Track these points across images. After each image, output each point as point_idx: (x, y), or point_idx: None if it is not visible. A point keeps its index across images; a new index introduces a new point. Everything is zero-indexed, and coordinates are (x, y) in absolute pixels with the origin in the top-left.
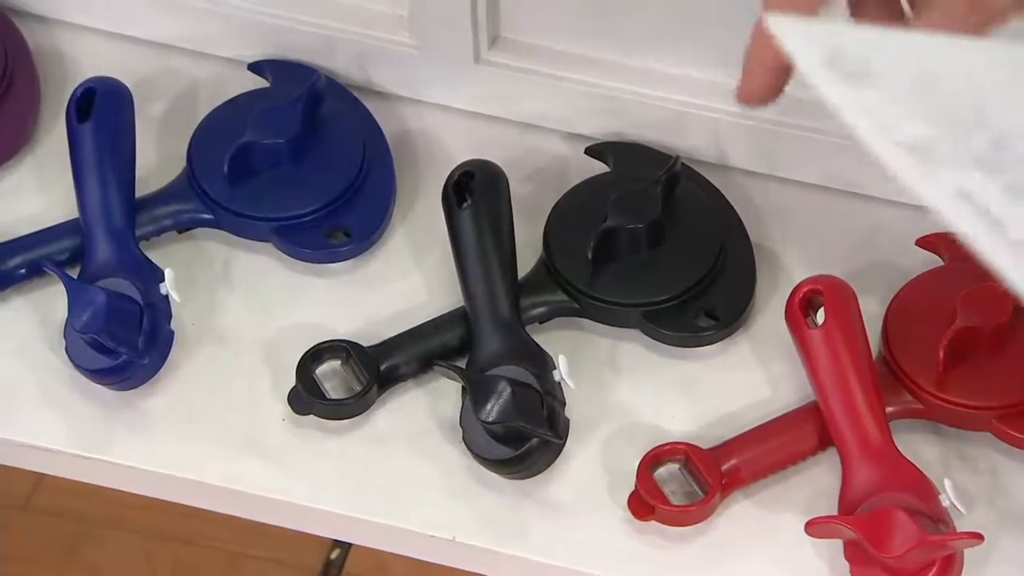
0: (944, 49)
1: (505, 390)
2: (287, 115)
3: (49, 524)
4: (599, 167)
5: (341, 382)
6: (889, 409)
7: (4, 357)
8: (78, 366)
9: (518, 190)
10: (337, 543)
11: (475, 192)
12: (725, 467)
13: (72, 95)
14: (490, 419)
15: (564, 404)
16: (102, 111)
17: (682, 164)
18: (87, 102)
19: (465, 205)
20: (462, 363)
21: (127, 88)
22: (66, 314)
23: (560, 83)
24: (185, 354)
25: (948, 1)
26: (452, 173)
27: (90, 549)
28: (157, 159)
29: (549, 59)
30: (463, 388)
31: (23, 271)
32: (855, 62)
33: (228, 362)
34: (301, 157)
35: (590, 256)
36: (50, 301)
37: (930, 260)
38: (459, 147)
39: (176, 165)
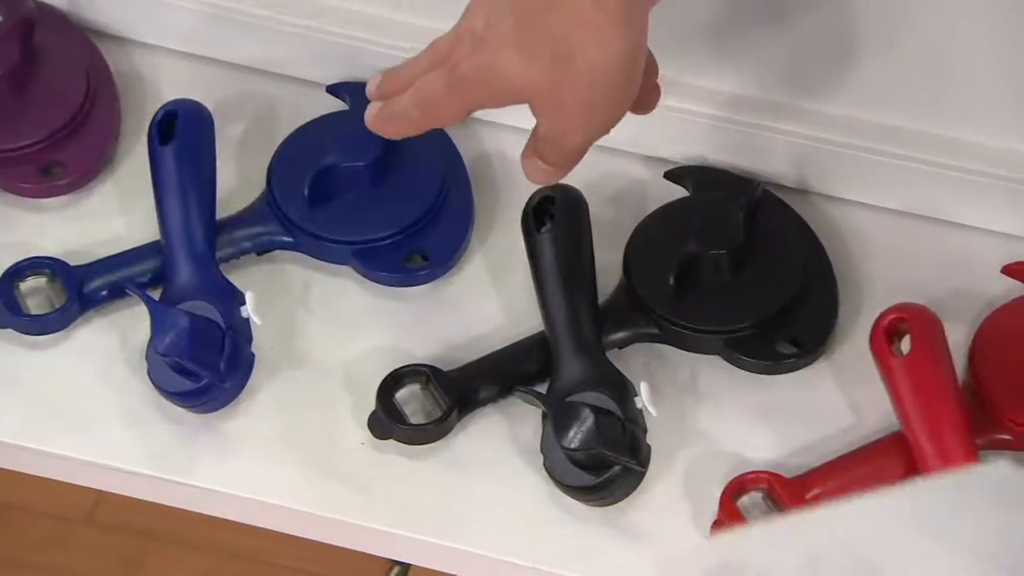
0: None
1: (588, 417)
2: (368, 138)
3: (111, 539)
4: (678, 191)
5: (420, 406)
6: (976, 440)
7: (87, 378)
8: (160, 388)
9: (597, 214)
10: (396, 562)
11: (555, 216)
12: (809, 496)
13: (154, 118)
14: (573, 446)
15: (646, 431)
16: (184, 134)
17: (763, 189)
18: (169, 124)
19: (545, 229)
20: (541, 388)
21: (208, 111)
22: (148, 336)
23: None
24: (264, 377)
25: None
26: (532, 197)
27: (152, 564)
28: (236, 180)
29: None
30: (543, 414)
31: (105, 292)
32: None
33: (307, 385)
34: (380, 180)
35: (672, 282)
36: (131, 322)
37: (1015, 288)
38: None
39: (255, 187)
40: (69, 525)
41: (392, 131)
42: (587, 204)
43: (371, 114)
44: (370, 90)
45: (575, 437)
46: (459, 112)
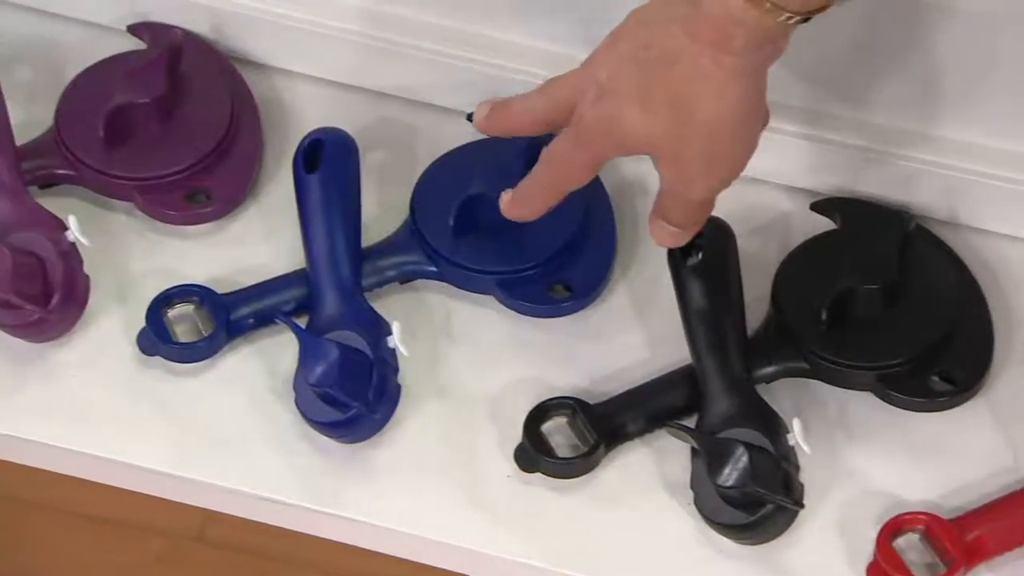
0: None
1: (742, 454)
2: (511, 167)
3: (224, 557)
4: (823, 223)
5: (566, 439)
6: None
7: (234, 407)
8: (308, 418)
9: (740, 245)
10: None
11: (703, 248)
12: (969, 538)
13: (299, 146)
14: (728, 484)
15: (799, 469)
16: (329, 162)
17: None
18: (314, 152)
19: (693, 261)
20: (688, 422)
21: (353, 139)
22: (294, 364)
23: (785, 138)
24: (409, 407)
25: None
26: None
27: None
28: (377, 208)
29: (779, 115)
30: (693, 450)
31: (251, 321)
32: None
33: (452, 416)
34: None
35: (824, 317)
36: (276, 350)
37: None
38: None
39: (396, 215)
40: (181, 542)
41: (529, 212)
42: (735, 236)
43: (507, 211)
44: (478, 122)
45: (730, 475)
46: (589, 166)
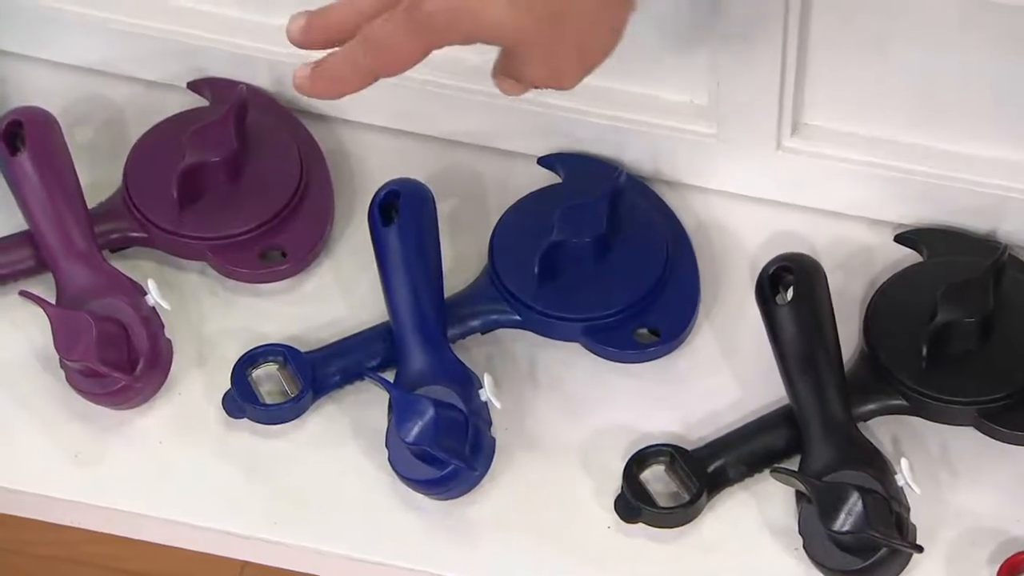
0: None
1: (855, 498)
2: (593, 213)
3: None
4: (908, 254)
5: (664, 487)
6: None
7: (324, 467)
8: (403, 477)
9: None
10: None
11: (795, 286)
12: None
13: (374, 198)
14: (843, 529)
15: (909, 510)
16: (407, 213)
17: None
18: (388, 204)
19: (784, 302)
20: (789, 464)
21: (428, 189)
22: (380, 421)
23: (866, 169)
24: (500, 459)
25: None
26: (767, 267)
27: None
28: (452, 257)
29: (854, 144)
30: (798, 493)
31: (337, 378)
32: None
33: (546, 467)
34: (605, 255)
35: (924, 353)
36: (362, 407)
37: None
38: (759, 238)
39: (470, 263)
40: None
41: (334, 89)
42: (824, 272)
43: (302, 75)
44: (292, 31)
45: (845, 520)
46: (418, 57)
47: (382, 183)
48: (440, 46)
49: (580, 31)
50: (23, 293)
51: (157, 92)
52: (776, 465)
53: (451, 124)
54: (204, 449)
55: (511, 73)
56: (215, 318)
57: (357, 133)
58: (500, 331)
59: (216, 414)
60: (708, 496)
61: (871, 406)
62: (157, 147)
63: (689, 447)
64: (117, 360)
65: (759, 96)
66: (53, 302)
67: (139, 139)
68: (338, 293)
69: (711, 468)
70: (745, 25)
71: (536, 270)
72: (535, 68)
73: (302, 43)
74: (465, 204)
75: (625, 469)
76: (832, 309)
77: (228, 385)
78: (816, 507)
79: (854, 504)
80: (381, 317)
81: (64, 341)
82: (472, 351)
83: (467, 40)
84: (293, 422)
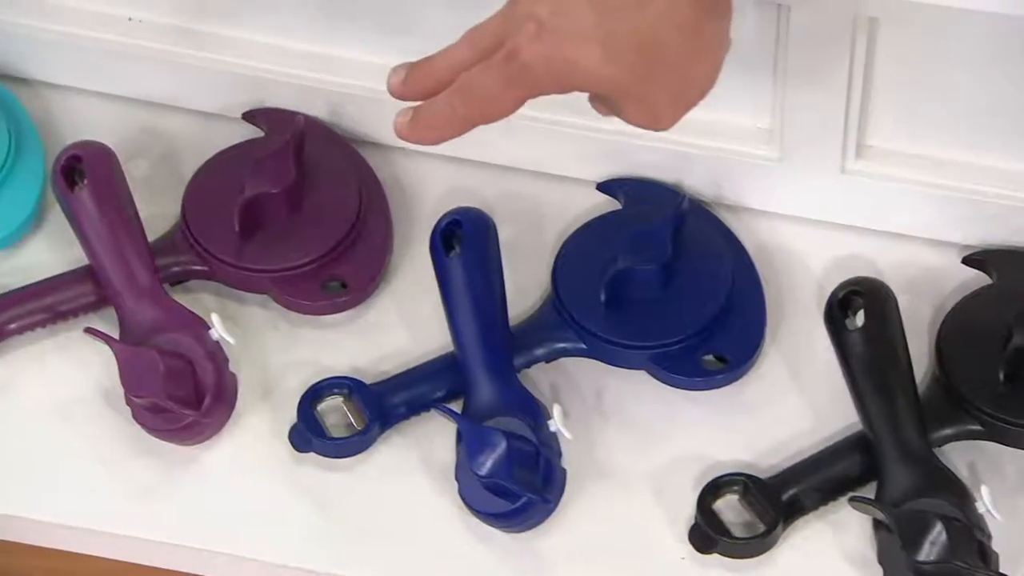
0: None
1: (939, 528)
2: (658, 239)
3: None
4: (975, 276)
5: (737, 516)
6: None
7: (392, 500)
8: (475, 510)
9: None
10: None
11: (865, 311)
12: None
13: (436, 227)
14: (929, 559)
15: (990, 538)
16: (470, 242)
17: None
18: (450, 233)
19: (852, 326)
20: (864, 491)
21: (490, 218)
22: (447, 452)
23: (931, 190)
24: (570, 490)
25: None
26: (836, 291)
27: None
28: (512, 284)
29: (918, 166)
30: (876, 522)
31: (403, 410)
32: None
33: (616, 497)
34: (670, 281)
35: (1001, 378)
36: (428, 438)
37: None
38: (823, 261)
39: (530, 291)
40: None
41: (432, 136)
42: (895, 296)
43: (402, 121)
44: (392, 85)
45: (930, 550)
46: (515, 106)
47: (439, 211)
48: (536, 95)
49: (676, 76)
50: (88, 330)
51: (211, 123)
52: (854, 494)
53: (508, 151)
54: (271, 484)
55: (604, 103)
56: (278, 351)
57: (413, 161)
58: (564, 359)
59: (282, 448)
60: (784, 525)
61: (947, 431)
62: (215, 179)
63: (760, 475)
64: (184, 396)
65: (824, 120)
66: (116, 337)
67: (197, 171)
68: (399, 323)
69: (786, 497)
70: (812, 49)
71: (603, 298)
72: (632, 113)
73: (402, 95)
74: (523, 231)
75: (699, 499)
76: (904, 333)
77: (293, 418)
78: (898, 537)
79: (938, 534)
80: (443, 346)
81: (132, 378)
82: (536, 380)
83: (563, 90)
84: (359, 455)
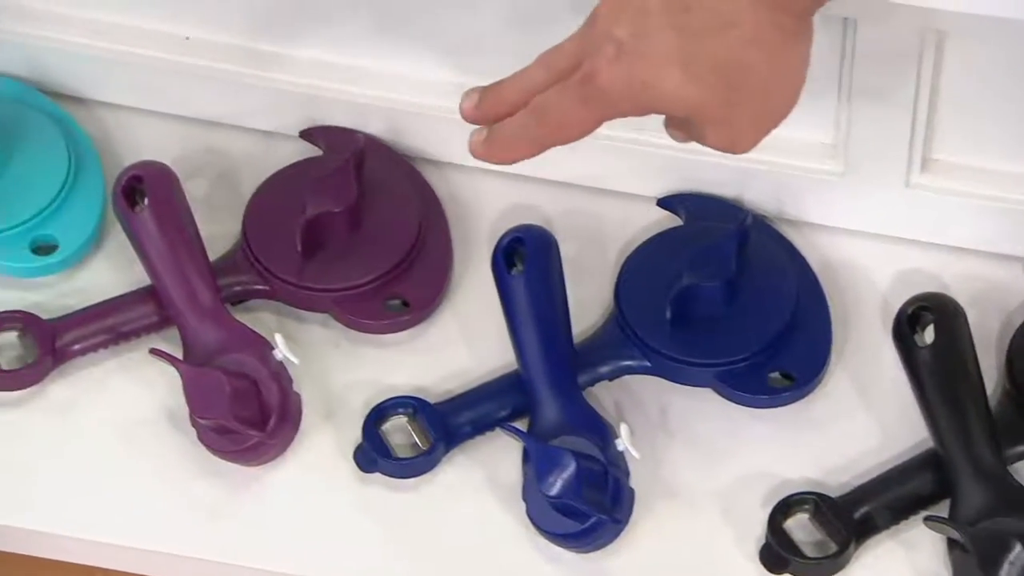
0: None
1: (1019, 549)
2: (722, 255)
3: None
4: None
5: (807, 535)
6: None
7: (459, 520)
8: (543, 530)
9: None
10: None
11: (936, 327)
12: None
13: (498, 245)
14: None
15: None
16: (533, 260)
17: None
18: (512, 251)
19: (922, 342)
20: (936, 510)
21: (552, 235)
22: (513, 471)
23: (996, 204)
24: (640, 509)
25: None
26: (905, 307)
27: None
28: (572, 302)
29: (984, 179)
30: (949, 541)
31: (468, 429)
32: None
33: (684, 517)
34: (734, 297)
35: None
36: (493, 458)
37: None
38: (888, 276)
39: (591, 308)
40: None
41: (507, 156)
42: (964, 312)
43: (477, 141)
44: (465, 109)
45: (1009, 571)
46: (592, 127)
47: (498, 228)
48: (613, 117)
49: (758, 99)
50: (154, 351)
51: (268, 142)
52: (929, 514)
53: (566, 167)
54: (335, 504)
55: (682, 128)
56: (340, 370)
57: (471, 178)
58: (626, 377)
59: (346, 468)
60: (856, 545)
61: (1021, 448)
62: (275, 198)
63: (829, 493)
64: (250, 416)
65: (889, 134)
66: (179, 358)
67: (256, 191)
68: (461, 341)
69: (857, 515)
70: (878, 64)
71: (669, 315)
72: (711, 136)
73: (475, 120)
74: (583, 247)
75: (770, 518)
76: (974, 350)
77: (356, 438)
78: (976, 558)
79: (1017, 555)
80: (505, 364)
81: (198, 400)
82: (600, 398)
83: (641, 112)
84: (424, 475)
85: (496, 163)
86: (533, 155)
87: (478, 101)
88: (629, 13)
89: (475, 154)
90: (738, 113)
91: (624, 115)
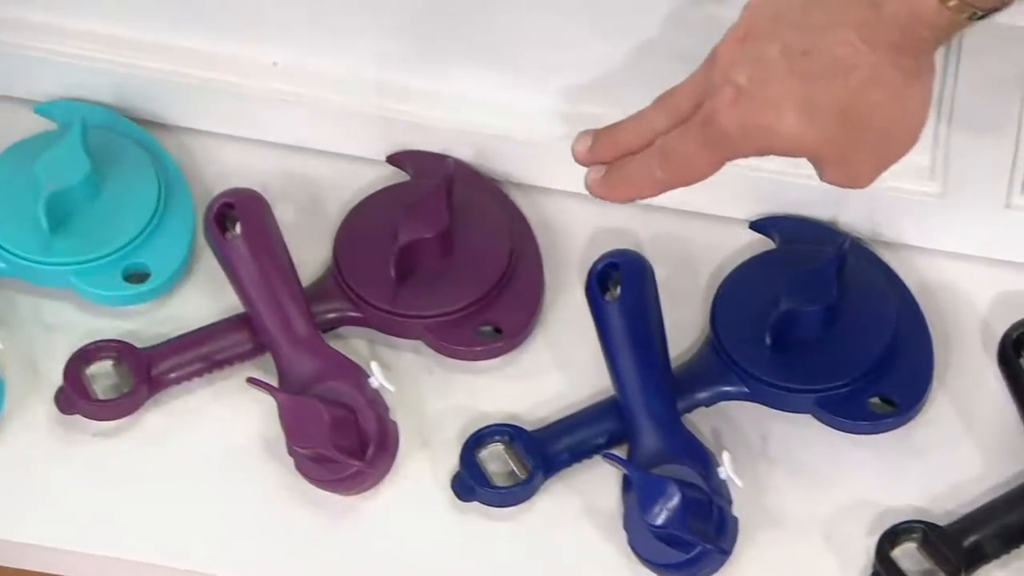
0: None
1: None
2: (822, 280)
3: None
4: None
5: (915, 564)
6: None
7: (559, 550)
8: (647, 561)
9: None
10: None
11: None
12: None
13: (592, 270)
14: None
15: None
16: (628, 286)
17: None
18: (605, 276)
19: None
20: None
21: (647, 260)
22: (611, 499)
23: None
24: (743, 538)
25: None
26: (1010, 332)
27: None
28: (666, 327)
29: None
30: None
31: (566, 456)
32: None
33: (788, 544)
34: (834, 322)
35: None
36: (591, 486)
37: None
38: (988, 299)
39: (682, 332)
40: None
41: (628, 196)
42: None
43: (595, 179)
44: (579, 152)
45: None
46: (714, 169)
47: (589, 253)
48: (734, 158)
49: (879, 139)
50: (251, 380)
51: (354, 167)
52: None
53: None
54: (433, 532)
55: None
56: (433, 397)
57: (558, 202)
58: (724, 403)
59: (443, 496)
60: (965, 574)
61: None
62: (364, 224)
63: (935, 522)
64: (348, 445)
65: (991, 157)
66: (274, 386)
67: (346, 217)
68: (554, 367)
69: (966, 544)
70: (981, 93)
71: (769, 341)
72: (830, 174)
73: (589, 163)
74: (674, 271)
75: (877, 547)
76: None
77: (452, 465)
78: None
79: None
80: (599, 391)
81: (296, 428)
82: (698, 425)
83: (760, 154)
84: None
85: (614, 201)
86: (655, 195)
87: (592, 144)
88: (749, 56)
89: (593, 192)
90: (858, 153)
91: (745, 156)
